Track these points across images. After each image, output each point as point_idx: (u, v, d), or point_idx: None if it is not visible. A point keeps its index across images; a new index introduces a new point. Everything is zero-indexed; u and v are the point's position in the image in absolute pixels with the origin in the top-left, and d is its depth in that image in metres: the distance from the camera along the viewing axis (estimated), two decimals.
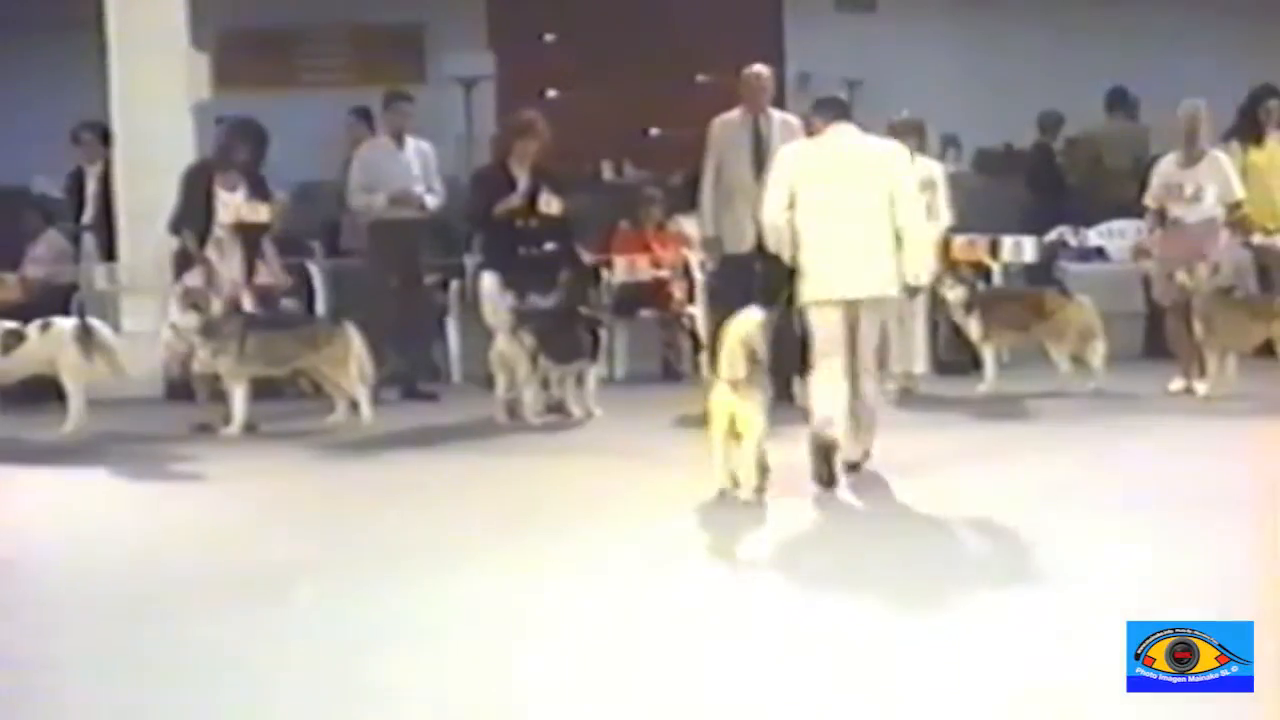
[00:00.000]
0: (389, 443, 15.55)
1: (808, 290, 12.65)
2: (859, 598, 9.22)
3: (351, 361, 16.24)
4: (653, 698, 7.77)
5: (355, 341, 16.31)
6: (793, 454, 12.47)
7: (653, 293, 18.70)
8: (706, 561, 10.80)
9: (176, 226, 16.26)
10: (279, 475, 14.36)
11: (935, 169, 17.48)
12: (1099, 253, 20.33)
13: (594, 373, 16.59)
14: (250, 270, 16.43)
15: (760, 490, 11.89)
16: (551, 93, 26.67)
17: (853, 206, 12.60)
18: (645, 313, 18.77)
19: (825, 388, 12.56)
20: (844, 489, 12.41)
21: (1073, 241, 20.43)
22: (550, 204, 16.83)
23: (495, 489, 13.40)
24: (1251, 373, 16.72)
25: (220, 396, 16.01)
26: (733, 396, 11.83)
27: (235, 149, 16.38)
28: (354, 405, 16.23)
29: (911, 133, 17.00)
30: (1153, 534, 10.58)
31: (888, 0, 27.65)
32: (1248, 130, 19.28)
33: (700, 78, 25.59)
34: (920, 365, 17.40)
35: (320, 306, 18.71)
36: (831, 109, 13.04)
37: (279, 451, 15.33)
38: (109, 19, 18.71)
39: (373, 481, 14.10)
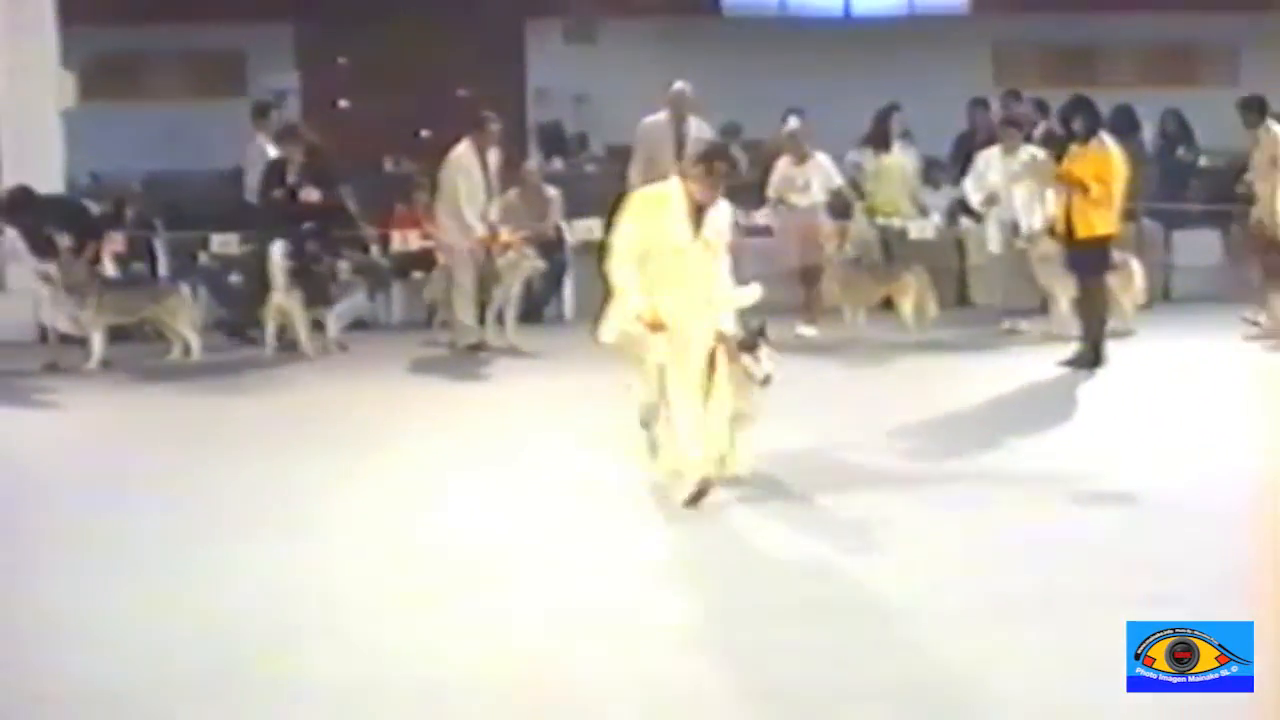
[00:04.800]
0: (209, 372, 15.66)
1: None
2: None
3: (184, 312, 16.27)
4: None
5: (187, 297, 16.50)
6: None
7: (421, 258, 18.62)
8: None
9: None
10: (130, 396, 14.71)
11: None
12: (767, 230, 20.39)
13: (332, 317, 16.74)
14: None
15: None
16: (343, 103, 26.64)
17: None
18: (417, 274, 18.68)
19: None
20: None
21: (743, 221, 20.54)
22: (310, 194, 16.96)
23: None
24: (876, 321, 17.06)
25: (70, 341, 16.03)
26: None
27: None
28: (187, 347, 16.16)
29: None
30: None
31: (607, 35, 27.72)
32: (878, 139, 19.49)
33: (460, 91, 25.58)
34: None
35: (162, 270, 18.53)
36: None
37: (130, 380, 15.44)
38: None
39: (200, 401, 14.29)
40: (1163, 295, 18.87)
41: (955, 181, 20.13)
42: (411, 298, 18.69)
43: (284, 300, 16.29)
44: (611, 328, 10.12)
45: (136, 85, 26.93)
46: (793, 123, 17.85)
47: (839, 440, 11.40)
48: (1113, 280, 15.65)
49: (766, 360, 10.04)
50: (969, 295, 19.22)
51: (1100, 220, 14.66)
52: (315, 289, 16.56)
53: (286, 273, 16.22)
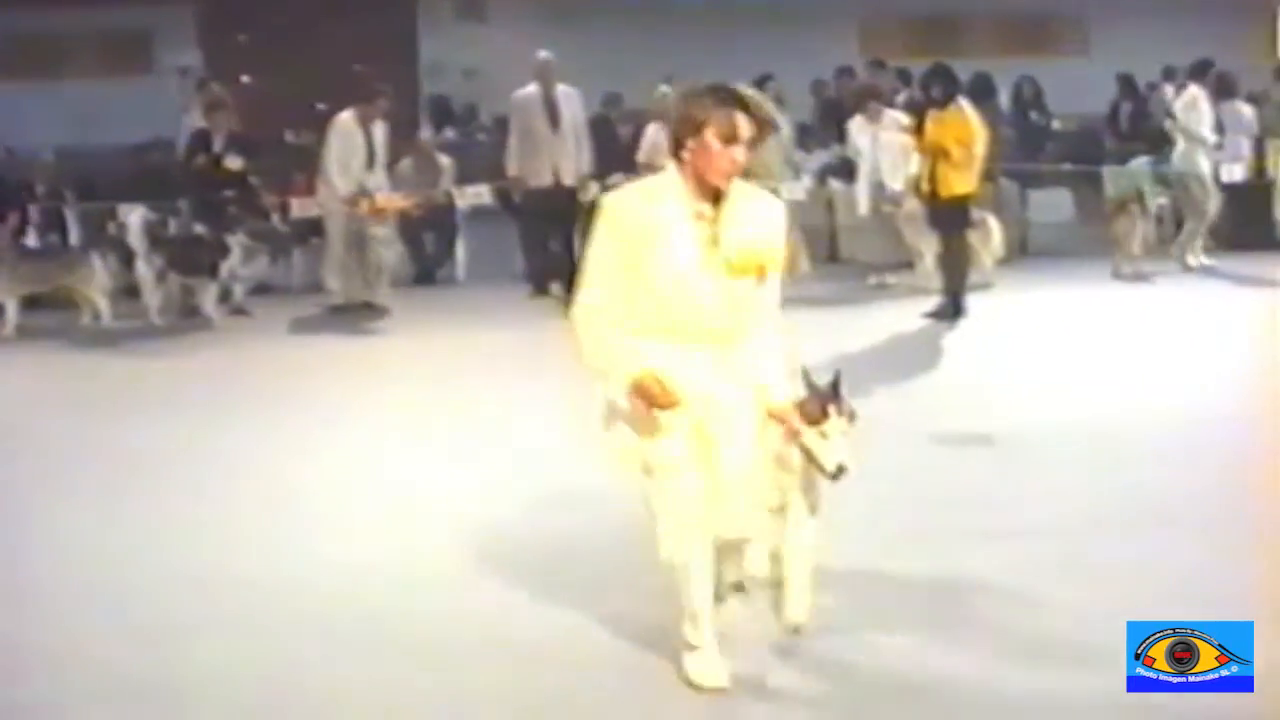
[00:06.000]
0: (119, 337, 15.49)
1: None
2: None
3: (95, 279, 16.00)
4: None
5: (98, 266, 16.13)
6: None
7: (319, 225, 18.38)
8: None
9: None
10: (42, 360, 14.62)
11: None
12: None
13: (212, 289, 16.28)
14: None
15: None
16: (245, 79, 26.33)
17: None
18: (315, 240, 18.45)
19: None
20: None
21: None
22: (234, 162, 16.73)
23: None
24: None
25: None
26: None
27: None
28: (97, 312, 15.95)
29: None
30: None
31: (496, 13, 27.68)
32: None
33: (356, 67, 25.38)
34: None
35: (73, 239, 18.28)
36: None
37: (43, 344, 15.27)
38: None
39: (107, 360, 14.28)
40: (1020, 250, 18.93)
41: (826, 146, 20.18)
42: (310, 262, 18.48)
43: (141, 267, 16.08)
44: (615, 439, 5.91)
45: (48, 64, 26.63)
46: (662, 89, 17.80)
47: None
48: (973, 236, 15.68)
49: (838, 436, 6.13)
50: (839, 252, 19.24)
51: (960, 181, 14.68)
52: (185, 258, 16.22)
53: (144, 239, 16.02)
